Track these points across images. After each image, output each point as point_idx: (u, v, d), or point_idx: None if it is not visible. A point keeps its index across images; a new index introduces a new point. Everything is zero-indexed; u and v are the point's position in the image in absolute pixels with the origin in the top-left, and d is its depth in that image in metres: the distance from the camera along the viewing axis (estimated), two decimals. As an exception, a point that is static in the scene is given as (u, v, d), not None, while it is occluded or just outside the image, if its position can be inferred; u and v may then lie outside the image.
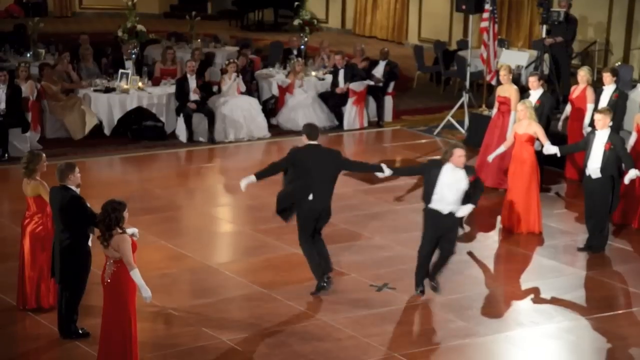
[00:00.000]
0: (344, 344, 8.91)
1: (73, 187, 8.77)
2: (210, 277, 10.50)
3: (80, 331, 8.87)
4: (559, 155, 11.85)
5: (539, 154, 11.80)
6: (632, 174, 10.95)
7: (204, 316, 9.44)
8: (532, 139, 11.74)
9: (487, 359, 8.87)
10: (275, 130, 16.44)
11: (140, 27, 18.15)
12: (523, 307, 9.98)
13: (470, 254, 11.35)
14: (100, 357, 8.31)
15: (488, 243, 11.77)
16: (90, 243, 8.79)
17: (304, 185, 9.69)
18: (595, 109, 13.11)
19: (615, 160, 10.96)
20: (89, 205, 8.75)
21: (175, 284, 10.36)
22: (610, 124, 11.46)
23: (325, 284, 9.83)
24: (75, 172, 8.80)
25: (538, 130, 11.73)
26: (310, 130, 10.04)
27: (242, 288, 10.20)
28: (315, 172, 9.65)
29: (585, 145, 11.23)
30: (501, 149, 12.25)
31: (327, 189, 9.82)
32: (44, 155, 9.54)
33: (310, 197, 9.66)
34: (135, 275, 8.02)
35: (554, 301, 10.04)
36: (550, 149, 11.58)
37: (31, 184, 9.31)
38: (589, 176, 11.11)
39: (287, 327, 9.25)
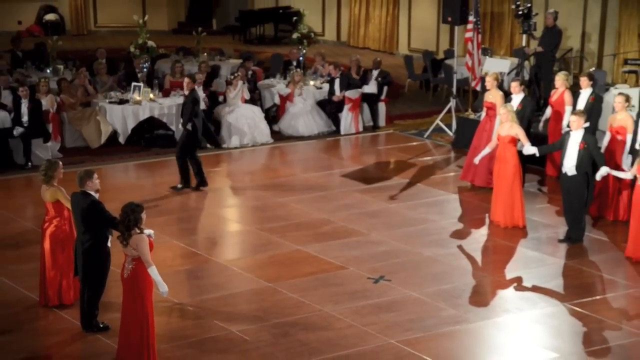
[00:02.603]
0: (344, 333, 8.94)
1: (92, 192, 8.81)
2: (219, 273, 10.53)
3: (100, 325, 8.90)
4: (537, 155, 11.90)
5: (520, 153, 11.85)
6: (603, 171, 11.03)
7: (215, 309, 9.47)
8: (514, 140, 11.78)
9: (476, 344, 8.87)
10: (277, 136, 16.46)
11: (150, 43, 18.22)
12: (509, 295, 10.00)
13: (459, 247, 11.38)
14: (120, 348, 8.35)
15: (476, 237, 11.77)
16: (109, 244, 8.83)
17: None
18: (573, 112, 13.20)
19: (589, 158, 11.02)
20: (107, 209, 8.80)
21: (187, 280, 10.40)
22: (586, 125, 11.51)
23: None
24: (93, 178, 8.84)
25: (519, 132, 11.77)
26: None
27: (249, 283, 10.23)
28: None
29: (561, 145, 11.28)
30: (486, 150, 12.29)
31: None
32: (60, 163, 9.58)
33: None
34: (153, 271, 8.07)
35: (537, 289, 10.06)
36: (530, 149, 11.64)
37: (49, 190, 9.35)
38: (565, 173, 11.18)
39: (291, 318, 9.26)
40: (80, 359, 8.53)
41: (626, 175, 11.24)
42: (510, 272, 10.63)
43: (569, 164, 11.07)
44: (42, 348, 8.78)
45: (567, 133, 11.26)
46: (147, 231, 8.20)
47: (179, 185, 13.35)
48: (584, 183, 11.12)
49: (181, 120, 13.48)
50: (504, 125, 11.85)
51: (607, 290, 10.08)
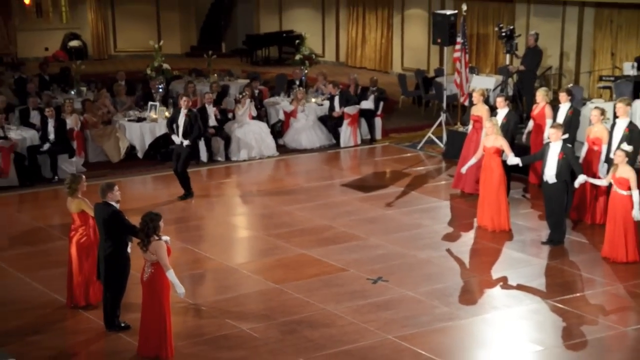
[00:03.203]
0: (346, 329, 8.94)
1: (113, 203, 8.83)
2: (230, 276, 10.54)
3: (122, 324, 8.91)
4: (520, 165, 11.91)
5: (505, 163, 11.86)
6: (581, 179, 11.05)
7: (226, 309, 9.47)
8: (499, 151, 11.79)
9: (467, 339, 8.87)
10: (282, 149, 16.48)
11: (165, 65, 18.27)
12: (496, 293, 10.00)
13: (450, 249, 11.38)
14: (141, 346, 8.37)
15: (466, 240, 11.78)
16: (129, 250, 8.85)
17: None
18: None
19: (568, 167, 11.04)
20: (126, 218, 8.83)
21: (201, 282, 10.41)
22: (565, 136, 11.52)
23: None
24: (114, 190, 8.87)
25: (503, 144, 11.79)
26: None
27: (257, 284, 10.23)
28: None
29: (542, 155, 11.31)
30: (473, 160, 12.31)
31: None
32: (83, 176, 9.62)
33: None
34: (171, 275, 8.10)
35: (522, 287, 10.07)
36: (513, 160, 11.65)
37: (74, 202, 9.38)
38: (547, 181, 11.19)
39: (297, 316, 9.27)
40: (104, 356, 8.54)
41: (602, 182, 11.26)
42: (497, 272, 10.63)
43: (550, 173, 11.09)
44: (70, 346, 8.79)
45: (547, 144, 11.28)
46: (164, 238, 8.23)
47: (183, 195, 13.50)
48: (564, 190, 11.15)
49: (180, 133, 13.45)
50: (490, 137, 11.87)
51: (586, 288, 10.08)
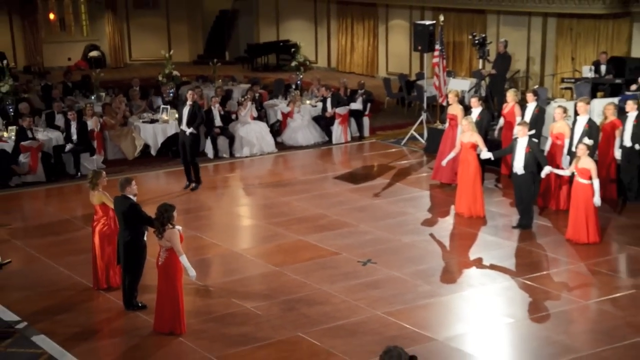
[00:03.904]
0: (339, 307, 8.95)
1: (131, 196, 8.82)
2: (235, 260, 10.54)
3: (139, 304, 8.92)
4: (492, 159, 11.92)
5: (479, 156, 11.86)
6: (546, 170, 11.08)
7: (232, 289, 9.47)
8: (475, 146, 11.79)
9: (447, 314, 8.88)
10: (281, 146, 16.45)
11: (175, 72, 18.22)
12: (472, 272, 10.01)
13: (431, 235, 11.39)
14: (156, 323, 8.37)
15: (445, 225, 11.79)
16: (145, 238, 8.84)
17: None
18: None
19: (534, 160, 11.05)
20: (143, 209, 8.81)
21: (209, 266, 10.40)
22: (532, 132, 11.52)
23: None
24: (132, 184, 8.85)
25: (478, 140, 11.79)
26: None
27: (260, 267, 10.24)
28: None
29: (511, 149, 11.31)
30: (452, 154, 12.31)
31: None
32: (104, 172, 9.64)
33: None
34: (184, 259, 8.11)
35: (496, 267, 10.09)
36: (486, 154, 11.65)
37: (96, 195, 9.38)
38: (516, 173, 11.20)
39: (295, 295, 9.28)
40: (124, 332, 8.53)
41: (565, 172, 11.28)
42: (473, 254, 10.65)
43: (518, 165, 11.10)
44: (93, 324, 8.79)
45: (515, 140, 11.27)
46: (177, 227, 8.22)
47: (193, 185, 13.48)
48: (531, 180, 11.16)
49: (184, 122, 13.45)
50: (466, 133, 11.86)
51: (552, 267, 10.10)
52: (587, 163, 10.48)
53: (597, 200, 10.47)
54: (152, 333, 8.37)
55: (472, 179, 11.79)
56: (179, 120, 13.80)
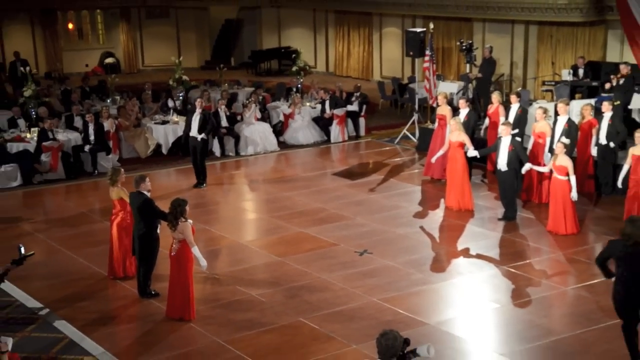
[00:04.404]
0: (338, 294, 8.94)
1: (145, 192, 8.81)
2: (241, 251, 10.52)
3: (152, 292, 8.91)
4: (478, 156, 11.89)
5: (467, 154, 11.83)
6: (526, 166, 11.05)
7: (238, 278, 9.47)
8: (462, 145, 11.75)
9: (438, 300, 8.88)
10: (283, 145, 16.41)
11: (184, 77, 18.13)
12: (461, 262, 10.01)
13: (423, 227, 11.38)
14: (168, 309, 8.37)
15: (435, 218, 11.78)
16: (158, 231, 8.82)
17: None
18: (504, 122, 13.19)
19: (517, 157, 11.00)
20: (156, 204, 8.80)
21: (217, 256, 10.38)
22: (515, 131, 11.49)
23: None
24: (146, 181, 8.86)
25: (465, 139, 11.75)
26: None
27: (264, 258, 10.22)
28: None
29: (495, 148, 11.26)
30: (440, 152, 12.28)
31: None
32: (122, 169, 9.64)
33: None
34: (195, 250, 8.12)
35: (482, 256, 10.08)
36: (473, 152, 11.60)
37: (115, 190, 9.38)
38: (500, 169, 11.16)
39: (297, 283, 9.27)
40: (139, 318, 8.52)
41: (544, 169, 11.24)
42: (461, 244, 10.64)
43: (502, 162, 11.06)
44: (110, 310, 8.78)
45: (499, 138, 11.23)
46: (189, 220, 8.20)
47: (204, 185, 13.42)
48: (514, 176, 11.13)
49: (195, 129, 13.34)
50: (454, 133, 11.83)
51: (534, 256, 10.09)
52: (564, 161, 10.45)
53: (574, 194, 10.45)
54: (164, 319, 8.37)
55: (460, 175, 11.76)
56: (187, 126, 13.64)
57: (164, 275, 8.85)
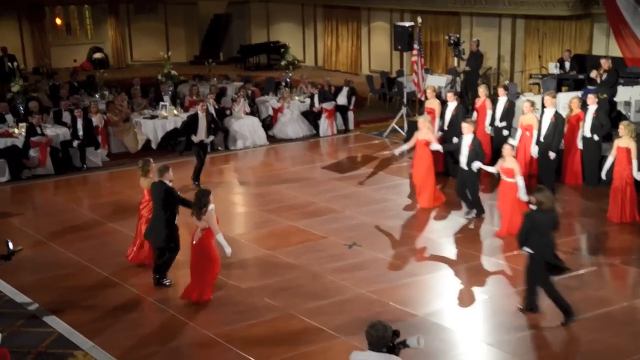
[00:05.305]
0: (328, 286, 8.94)
1: (167, 182, 8.91)
2: (231, 244, 10.23)
3: (167, 283, 8.98)
4: (441, 151, 11.77)
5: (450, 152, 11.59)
6: (475, 165, 10.70)
7: (229, 271, 9.40)
8: (428, 143, 11.50)
9: (426, 291, 8.89)
10: (272, 139, 16.39)
11: (173, 72, 18.07)
12: (449, 253, 9.99)
13: (411, 219, 11.36)
14: (187, 293, 8.50)
15: (423, 211, 11.69)
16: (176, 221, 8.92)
17: None
18: (493, 115, 13.21)
19: (476, 156, 10.73)
20: (178, 193, 9.02)
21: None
22: (503, 124, 11.40)
23: None
24: (169, 171, 8.98)
25: (431, 136, 11.52)
26: None
27: (254, 251, 10.21)
28: None
29: (458, 146, 11.14)
30: (405, 147, 11.97)
31: None
32: (151, 160, 9.76)
33: None
34: (220, 237, 8.36)
35: (471, 248, 10.07)
36: (436, 146, 11.44)
37: (146, 180, 9.49)
38: (461, 168, 10.96)
39: (286, 275, 9.27)
40: (128, 312, 8.46)
41: (492, 169, 10.76)
42: (450, 236, 10.62)
43: (463, 160, 10.88)
44: (99, 304, 8.70)
45: (461, 137, 10.99)
46: (210, 206, 8.36)
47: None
48: (475, 174, 10.88)
49: (204, 133, 12.95)
50: (422, 130, 11.59)
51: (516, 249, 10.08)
52: (511, 163, 10.13)
53: (522, 195, 10.13)
54: (154, 312, 8.35)
55: (425, 174, 11.52)
56: (192, 129, 12.91)
57: (181, 261, 8.98)
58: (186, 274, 8.77)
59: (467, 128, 10.89)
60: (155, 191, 8.90)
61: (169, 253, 8.92)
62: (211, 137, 13.18)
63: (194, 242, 8.40)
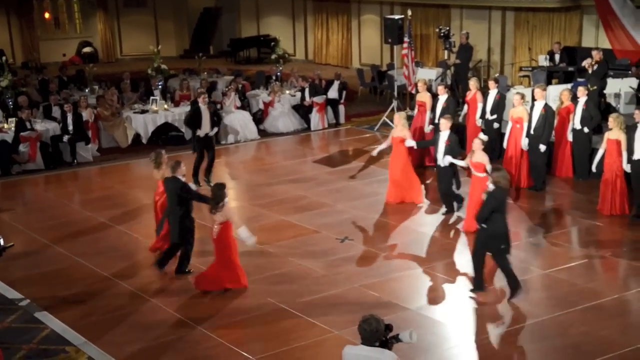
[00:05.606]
0: (320, 281, 8.94)
1: (180, 176, 8.97)
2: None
3: (188, 270, 9.11)
4: (415, 147, 11.69)
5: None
6: (446, 159, 10.59)
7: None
8: (403, 140, 11.38)
9: (418, 285, 8.89)
10: (263, 133, 16.36)
11: (163, 66, 18.00)
12: (440, 247, 9.98)
13: (402, 213, 11.34)
14: (214, 285, 8.60)
15: (414, 205, 11.71)
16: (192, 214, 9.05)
17: None
18: (484, 108, 13.23)
19: (451, 151, 10.62)
20: (193, 188, 9.23)
21: (200, 246, 10.30)
22: (494, 117, 11.37)
23: None
24: (181, 166, 9.05)
25: (406, 133, 11.42)
26: None
27: (245, 246, 10.06)
28: None
29: (433, 142, 11.05)
30: (383, 145, 11.83)
31: None
32: (163, 151, 9.85)
33: None
34: (242, 230, 8.51)
35: (462, 241, 10.07)
36: (410, 142, 11.34)
37: (160, 172, 9.58)
38: (439, 165, 10.86)
39: (279, 271, 9.25)
40: (120, 308, 8.44)
41: (462, 163, 10.62)
42: (441, 229, 10.61)
43: (439, 157, 10.77)
44: (92, 300, 8.66)
45: (438, 133, 10.89)
46: (225, 199, 8.48)
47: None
48: (451, 171, 10.80)
49: (209, 126, 12.61)
50: (397, 128, 11.48)
51: (512, 240, 9.89)
52: (481, 157, 10.00)
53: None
54: (146, 308, 8.33)
55: (401, 170, 11.42)
56: (193, 124, 12.61)
57: (199, 252, 9.18)
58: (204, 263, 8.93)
59: (444, 124, 10.73)
60: (170, 187, 8.98)
61: (186, 246, 9.05)
62: (215, 129, 12.84)
63: (214, 237, 8.53)
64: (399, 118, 11.54)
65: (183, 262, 9.13)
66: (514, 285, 8.24)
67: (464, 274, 9.06)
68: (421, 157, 13.37)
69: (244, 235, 8.51)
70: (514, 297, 8.21)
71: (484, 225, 8.16)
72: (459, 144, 10.99)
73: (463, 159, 10.58)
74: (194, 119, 12.64)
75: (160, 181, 9.52)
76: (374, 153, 12.14)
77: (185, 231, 8.98)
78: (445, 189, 11.00)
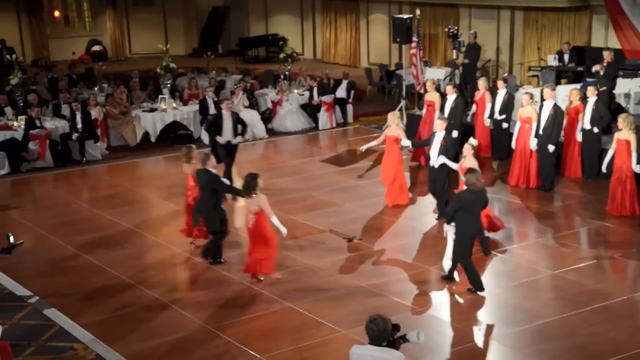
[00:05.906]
0: (327, 280, 8.93)
1: (211, 169, 9.14)
2: (231, 238, 10.23)
3: (223, 261, 9.30)
4: (411, 147, 11.63)
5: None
6: (439, 159, 10.44)
7: (228, 265, 9.36)
8: (397, 139, 11.32)
9: (426, 285, 8.85)
10: (271, 132, 16.37)
11: (172, 64, 18.02)
12: (442, 247, 9.91)
13: (410, 212, 11.33)
14: (249, 268, 8.77)
15: (423, 204, 11.63)
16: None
17: None
18: (492, 107, 13.19)
19: (446, 152, 10.49)
20: (223, 180, 9.41)
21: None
22: (502, 117, 11.33)
23: None
24: (211, 159, 9.26)
25: (400, 133, 11.33)
26: None
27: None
28: None
29: (428, 142, 10.92)
30: (373, 143, 11.70)
31: None
32: (194, 146, 10.06)
33: None
34: (275, 219, 8.60)
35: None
36: (406, 142, 11.28)
37: (191, 167, 9.76)
38: (433, 166, 10.71)
39: (287, 270, 9.22)
40: (128, 305, 8.43)
41: (454, 166, 10.46)
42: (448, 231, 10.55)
43: (433, 158, 10.62)
44: (100, 298, 8.65)
45: (433, 134, 10.73)
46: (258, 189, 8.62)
47: None
48: (445, 172, 10.62)
49: (230, 134, 12.01)
50: (391, 127, 11.38)
51: (521, 241, 10.12)
52: (471, 162, 9.76)
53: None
54: (154, 306, 8.33)
55: (394, 170, 11.35)
56: (211, 130, 12.11)
57: (231, 242, 9.51)
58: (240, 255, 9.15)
59: (439, 125, 10.60)
60: (202, 179, 9.15)
61: (220, 235, 9.20)
62: (239, 138, 12.10)
63: (249, 227, 8.66)
64: (393, 117, 11.46)
65: (218, 250, 9.32)
66: (476, 284, 8.40)
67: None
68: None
69: (278, 224, 8.64)
70: (475, 292, 8.37)
71: (452, 227, 8.29)
72: (454, 146, 10.83)
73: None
74: (214, 126, 12.08)
75: (191, 176, 9.67)
76: (362, 149, 11.91)
77: (221, 220, 9.18)
78: (434, 189, 10.80)
